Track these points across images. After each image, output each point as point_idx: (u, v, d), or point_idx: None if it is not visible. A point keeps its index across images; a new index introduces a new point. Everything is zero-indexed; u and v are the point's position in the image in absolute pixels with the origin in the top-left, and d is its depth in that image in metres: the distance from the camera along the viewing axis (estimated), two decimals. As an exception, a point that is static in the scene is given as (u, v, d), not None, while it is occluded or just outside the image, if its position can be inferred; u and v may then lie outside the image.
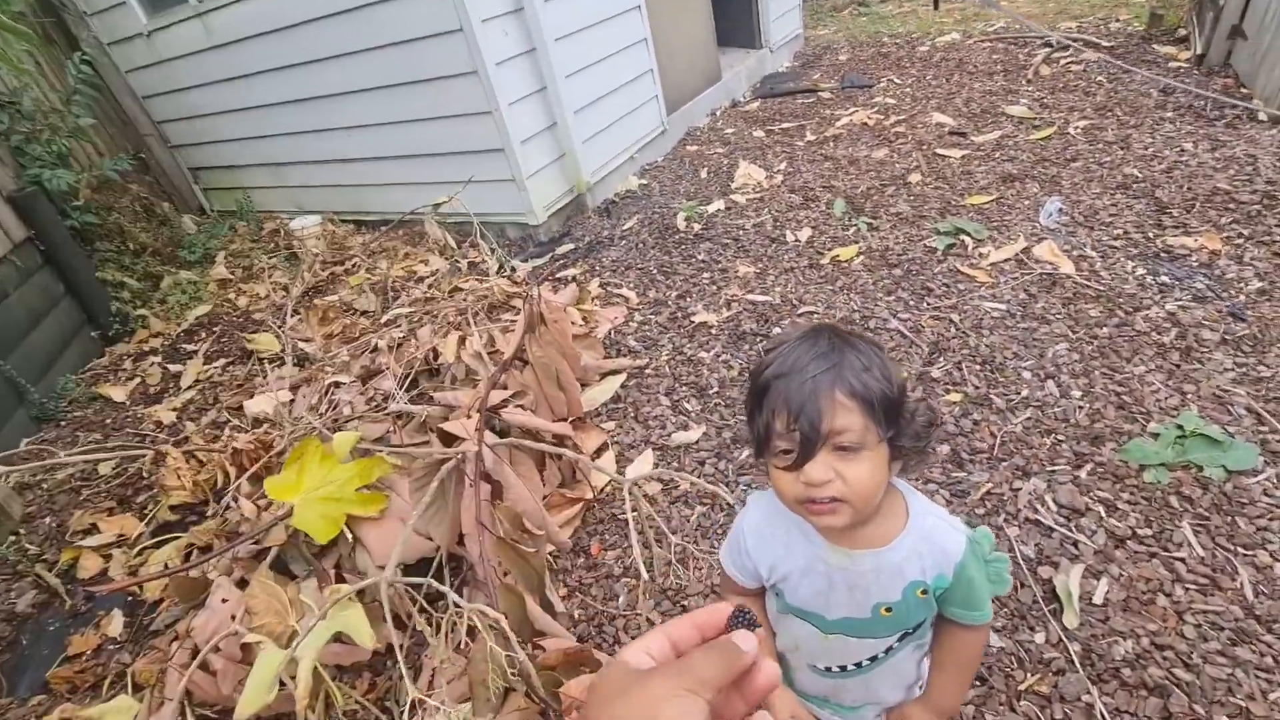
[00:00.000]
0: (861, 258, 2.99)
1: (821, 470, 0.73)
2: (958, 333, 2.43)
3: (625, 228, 3.77)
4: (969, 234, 2.93)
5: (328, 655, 1.65)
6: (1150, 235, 2.68)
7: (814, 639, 0.92)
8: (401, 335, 2.61)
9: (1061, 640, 1.48)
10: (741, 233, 3.41)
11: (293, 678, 1.33)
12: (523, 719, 1.33)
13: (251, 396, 2.69)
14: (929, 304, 2.61)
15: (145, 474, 2.67)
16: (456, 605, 1.24)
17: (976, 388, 2.18)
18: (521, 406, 2.02)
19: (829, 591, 0.86)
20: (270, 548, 1.77)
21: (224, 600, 1.72)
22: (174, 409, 3.05)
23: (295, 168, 4.59)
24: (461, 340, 2.28)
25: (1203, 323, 2.21)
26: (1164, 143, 3.27)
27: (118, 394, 3.29)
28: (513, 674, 1.19)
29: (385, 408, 2.05)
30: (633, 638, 1.65)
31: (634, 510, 1.39)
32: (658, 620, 1.69)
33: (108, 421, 3.14)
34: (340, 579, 1.75)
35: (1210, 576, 1.54)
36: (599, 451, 2.24)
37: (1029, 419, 2.03)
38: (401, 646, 1.68)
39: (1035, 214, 2.99)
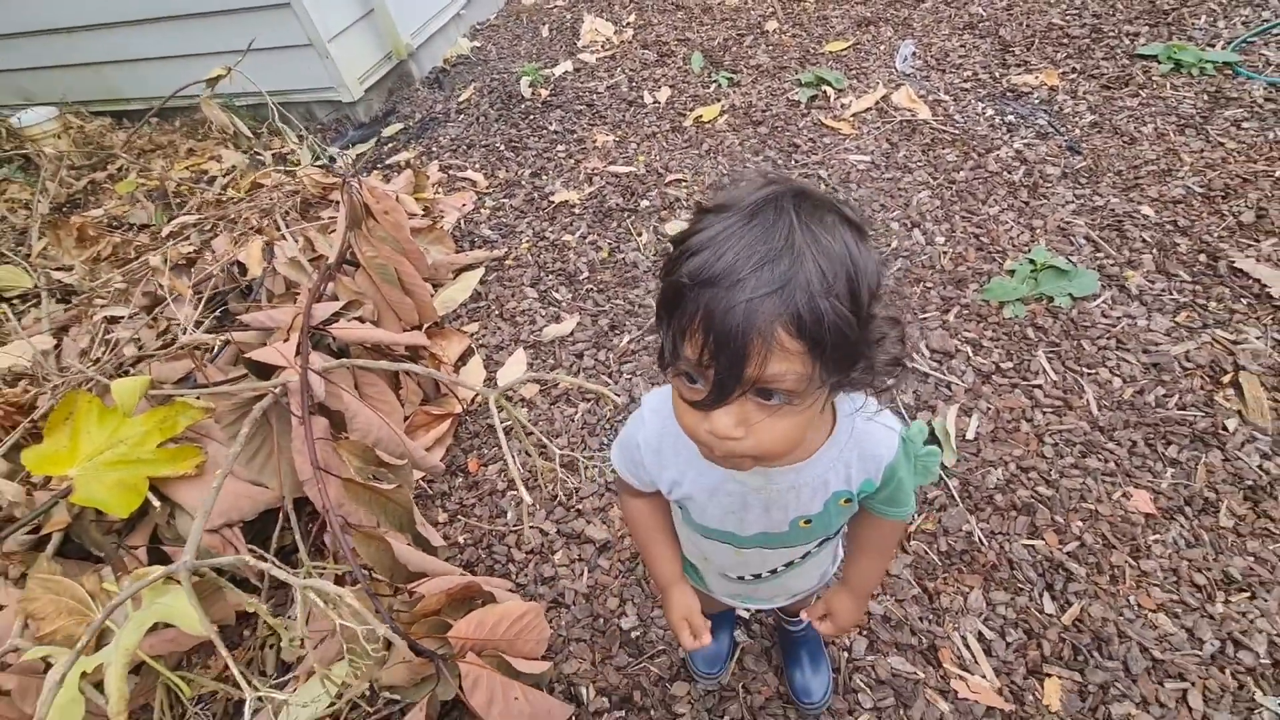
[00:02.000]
0: (725, 116, 2.78)
1: (731, 424, 0.55)
2: (827, 189, 2.35)
3: (462, 99, 3.26)
4: (830, 84, 2.80)
5: (159, 645, 1.37)
6: (996, 75, 2.69)
7: (726, 553, 0.81)
8: (193, 250, 2.10)
9: (943, 479, 1.54)
10: (595, 97, 3.06)
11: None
12: (410, 672, 1.17)
13: (-1, 348, 2.09)
14: (797, 160, 2.50)
15: None
16: (299, 588, 1.00)
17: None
18: (359, 319, 1.70)
19: (742, 511, 0.74)
20: (50, 534, 1.40)
21: (1, 607, 1.36)
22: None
23: (7, 43, 3.48)
24: (268, 246, 1.85)
25: (1046, 159, 2.28)
26: (1004, -22, 3.25)
27: None
28: (378, 651, 1.00)
29: (179, 343, 1.64)
30: (526, 554, 1.53)
31: (506, 424, 1.20)
32: (552, 532, 1.56)
33: None
34: (160, 555, 1.43)
35: (1063, 398, 1.64)
36: (463, 358, 1.99)
37: (900, 269, 2.03)
38: (255, 619, 1.45)
39: (891, 59, 2.91)
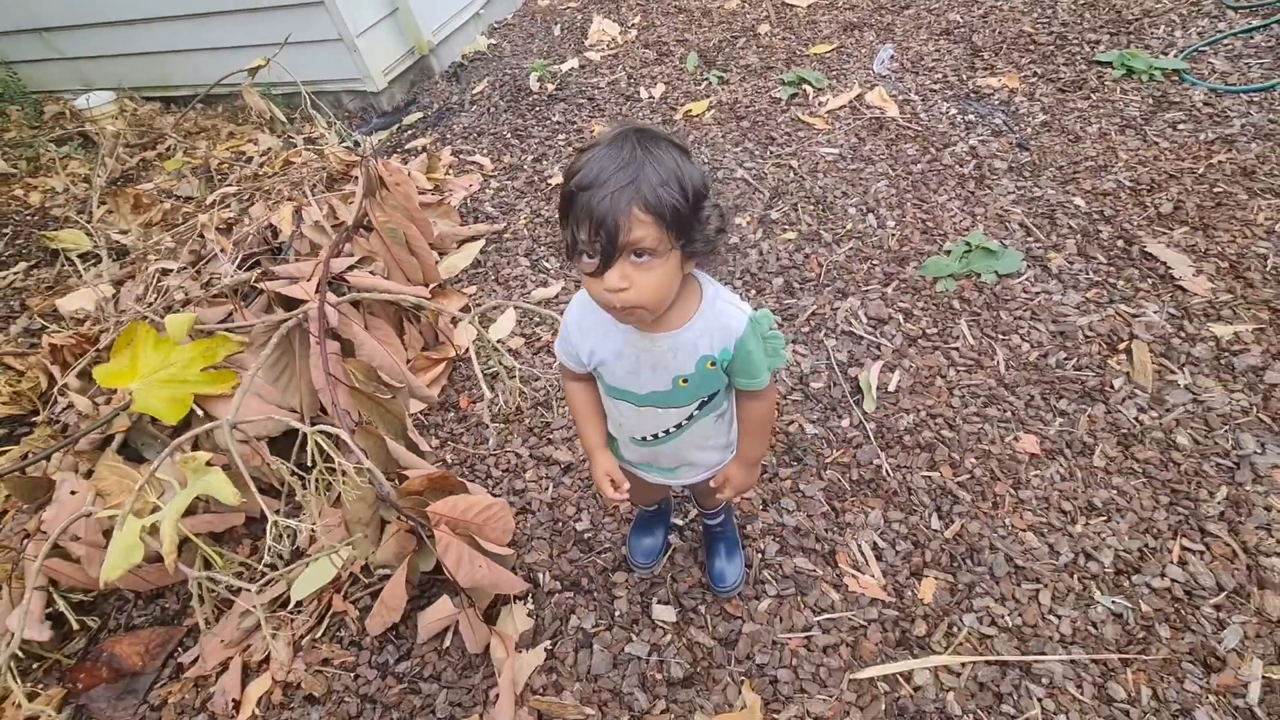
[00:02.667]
0: (712, 111, 3.04)
1: (618, 278, 0.81)
2: (795, 177, 2.59)
3: (475, 92, 3.56)
4: (810, 83, 3.04)
5: (198, 525, 1.67)
6: (964, 77, 2.91)
7: (631, 413, 1.07)
8: (232, 216, 2.41)
9: (861, 422, 1.78)
10: (596, 91, 3.33)
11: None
12: (399, 544, 1.46)
13: (64, 297, 2.43)
14: (772, 152, 2.74)
15: (-47, 392, 2.40)
16: (309, 434, 1.29)
17: (809, 225, 2.39)
18: (372, 273, 1.98)
19: (637, 371, 1.00)
20: (113, 435, 1.71)
21: (73, 492, 1.67)
22: (-27, 321, 2.70)
23: (72, 34, 3.85)
24: (297, 211, 2.15)
25: (996, 154, 2.50)
26: (984, -13, 3.46)
27: (-105, 312, 2.84)
28: (365, 482, 1.28)
29: (220, 286, 1.94)
30: (504, 471, 1.80)
31: (493, 370, 1.47)
32: (525, 456, 1.83)
33: (-110, 343, 2.73)
34: (200, 457, 1.73)
35: (976, 359, 1.87)
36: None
37: (851, 249, 2.27)
38: (278, 512, 1.74)
39: (870, 62, 3.14)
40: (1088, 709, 1.27)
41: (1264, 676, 1.26)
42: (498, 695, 1.37)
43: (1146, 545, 1.46)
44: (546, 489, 1.76)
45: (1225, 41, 2.75)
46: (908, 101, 2.85)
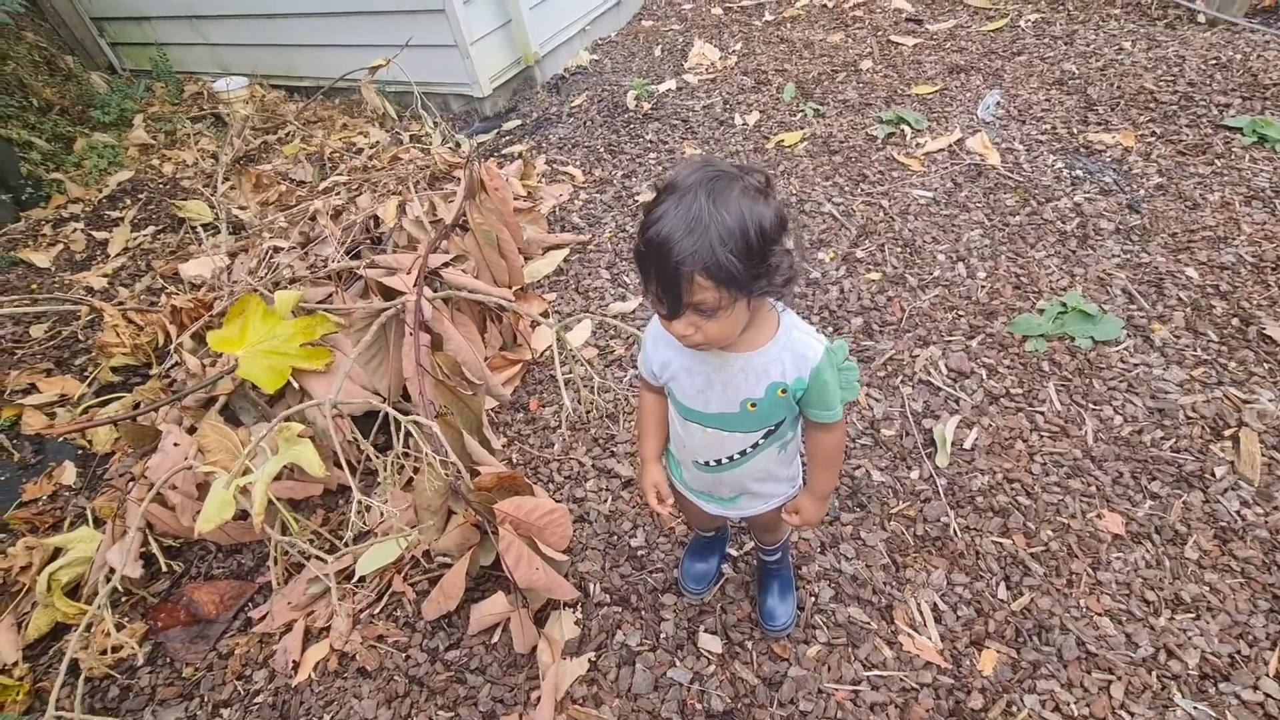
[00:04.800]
0: (805, 143, 3.03)
1: (683, 327, 0.87)
2: (885, 217, 2.56)
3: (574, 105, 3.68)
4: (909, 123, 2.99)
5: (281, 490, 1.78)
6: (1075, 131, 2.80)
7: (698, 435, 1.10)
8: (340, 203, 2.58)
9: (931, 476, 1.73)
10: (691, 114, 3.38)
11: (248, 509, 1.45)
12: (462, 535, 1.51)
13: (186, 262, 2.65)
14: (863, 189, 2.71)
15: (81, 337, 2.65)
16: (404, 432, 1.36)
17: (895, 268, 2.34)
18: (464, 271, 2.08)
19: (707, 389, 1.03)
20: (218, 396, 1.85)
21: (175, 444, 1.81)
22: (104, 275, 2.98)
23: (217, 22, 4.21)
24: (401, 206, 2.28)
25: (1103, 213, 2.39)
26: (1105, 40, 3.33)
27: (40, 259, 3.16)
28: (449, 474, 1.34)
29: (325, 270, 2.08)
30: (566, 478, 1.84)
31: (567, 376, 1.51)
32: (588, 465, 1.87)
33: (33, 287, 3.04)
34: (289, 426, 1.85)
35: (1062, 426, 1.79)
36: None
37: (937, 296, 2.21)
38: (350, 491, 1.83)
39: (975, 106, 3.07)
40: (1155, 817, 1.19)
41: (1365, 817, 1.15)
42: (539, 698, 1.40)
43: (1239, 652, 1.36)
44: (605, 500, 1.79)
45: (1376, 117, 2.55)
46: (1011, 150, 2.77)
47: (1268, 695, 1.30)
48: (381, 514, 1.70)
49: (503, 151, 3.40)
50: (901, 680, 1.39)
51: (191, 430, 1.87)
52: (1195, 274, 2.11)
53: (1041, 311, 2.08)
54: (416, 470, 1.81)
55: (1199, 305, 2.02)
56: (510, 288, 2.27)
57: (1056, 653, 1.40)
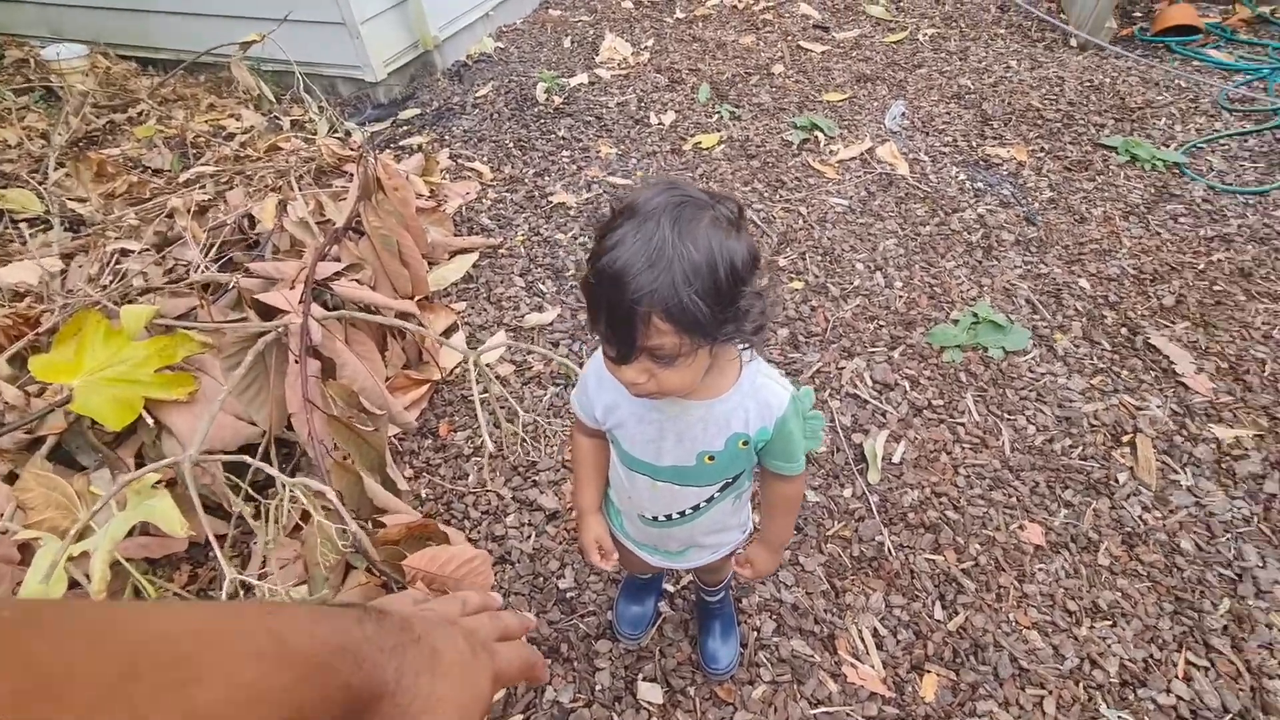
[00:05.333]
0: (723, 146, 2.98)
1: (635, 374, 0.74)
2: (804, 225, 2.55)
3: (479, 95, 3.43)
4: (822, 130, 3.01)
5: (133, 549, 1.48)
6: (974, 144, 2.92)
7: (646, 489, 0.97)
8: (207, 198, 2.22)
9: (864, 493, 1.71)
10: (605, 111, 3.24)
11: (88, 575, 1.18)
12: (365, 594, 1.30)
13: (5, 266, 2.19)
14: (782, 196, 2.69)
15: None
16: (283, 484, 1.14)
17: (816, 277, 2.33)
18: (358, 281, 1.83)
19: (659, 440, 0.90)
20: (46, 436, 1.51)
21: (-12, 498, 1.46)
22: (-107, 279, 2.42)
23: (43, -23, 3.58)
24: (282, 205, 1.99)
25: (1004, 225, 2.50)
26: (994, 58, 3.52)
27: None
28: (347, 547, 1.14)
29: (188, 280, 1.76)
30: (483, 513, 1.67)
31: (484, 396, 1.34)
32: (507, 497, 1.70)
33: None
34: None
35: (981, 437, 1.83)
36: (447, 332, 2.13)
37: (858, 306, 2.22)
38: (224, 538, 1.56)
39: (882, 115, 3.14)
40: (1092, 834, 1.20)
41: (1269, 811, 1.22)
42: (461, 777, 1.23)
43: (1151, 656, 1.42)
44: (528, 537, 1.63)
45: (1222, 141, 2.83)
46: (918, 161, 2.85)
47: (1179, 698, 1.36)
48: (263, 565, 1.45)
49: (400, 143, 3.11)
50: (848, 715, 1.35)
51: (11, 479, 1.52)
52: (1088, 285, 2.24)
53: (956, 322, 2.13)
54: (305, 516, 1.57)
55: (1093, 315, 2.14)
56: (413, 298, 2.05)
57: (993, 671, 1.40)
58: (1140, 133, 2.90)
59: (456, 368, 2.01)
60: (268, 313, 1.53)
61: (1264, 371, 1.94)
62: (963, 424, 1.86)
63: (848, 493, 1.72)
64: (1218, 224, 2.44)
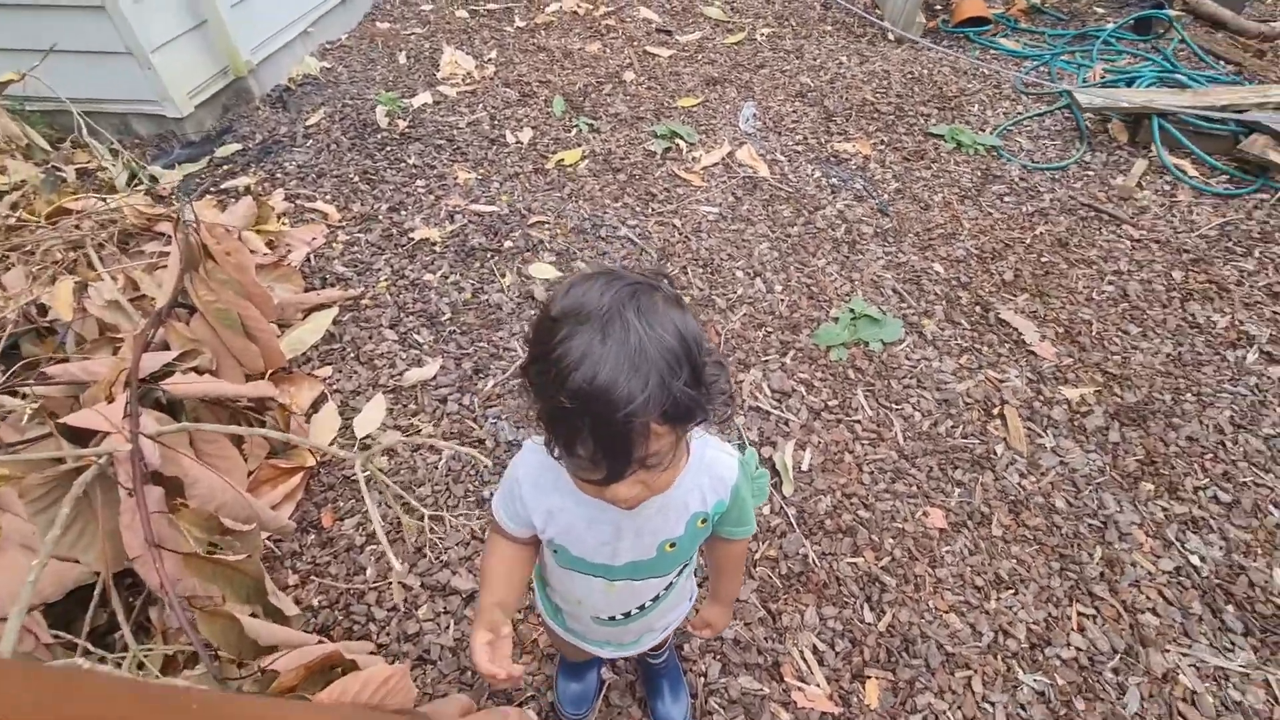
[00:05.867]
0: (586, 161, 2.91)
1: (629, 489, 0.68)
2: (681, 237, 2.54)
3: (310, 124, 3.10)
4: (682, 137, 3.03)
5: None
6: (822, 140, 3.07)
7: (599, 591, 0.89)
8: (-27, 284, 1.80)
9: (782, 508, 1.73)
10: (456, 132, 3.05)
11: None
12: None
13: None
14: (654, 209, 2.67)
15: None
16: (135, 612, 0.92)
17: (701, 290, 2.33)
18: (195, 369, 1.57)
19: (615, 540, 0.83)
20: None
21: None
22: None
23: None
24: (81, 286, 1.65)
25: (862, 219, 2.64)
26: (827, 55, 3.73)
27: None
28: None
29: (-41, 399, 1.41)
30: (390, 611, 1.49)
31: (370, 483, 1.18)
32: (416, 586, 1.54)
33: None
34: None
35: (877, 431, 1.92)
36: (315, 405, 1.89)
37: (745, 315, 2.25)
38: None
39: (735, 118, 3.21)
40: (1032, 801, 1.29)
41: (1164, 738, 1.37)
42: None
43: (1050, 615, 1.55)
44: (446, 628, 1.48)
45: (1026, 123, 3.19)
46: (776, 161, 2.95)
47: (1078, 649, 1.50)
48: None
49: (223, 186, 2.73)
50: (804, 742, 1.35)
51: None
52: (941, 269, 2.43)
53: (836, 320, 2.22)
54: (169, 660, 1.33)
55: (950, 298, 2.32)
56: (267, 374, 1.79)
57: (925, 663, 1.47)
58: (960, 120, 3.19)
59: (333, 442, 1.79)
60: (81, 436, 1.25)
61: (1092, 332, 2.20)
62: (859, 421, 1.94)
63: (766, 510, 1.73)
64: (1035, 200, 2.74)
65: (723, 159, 2.93)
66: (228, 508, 1.27)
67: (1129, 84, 3.30)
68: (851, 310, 2.22)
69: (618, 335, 0.59)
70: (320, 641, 1.29)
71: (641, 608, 0.92)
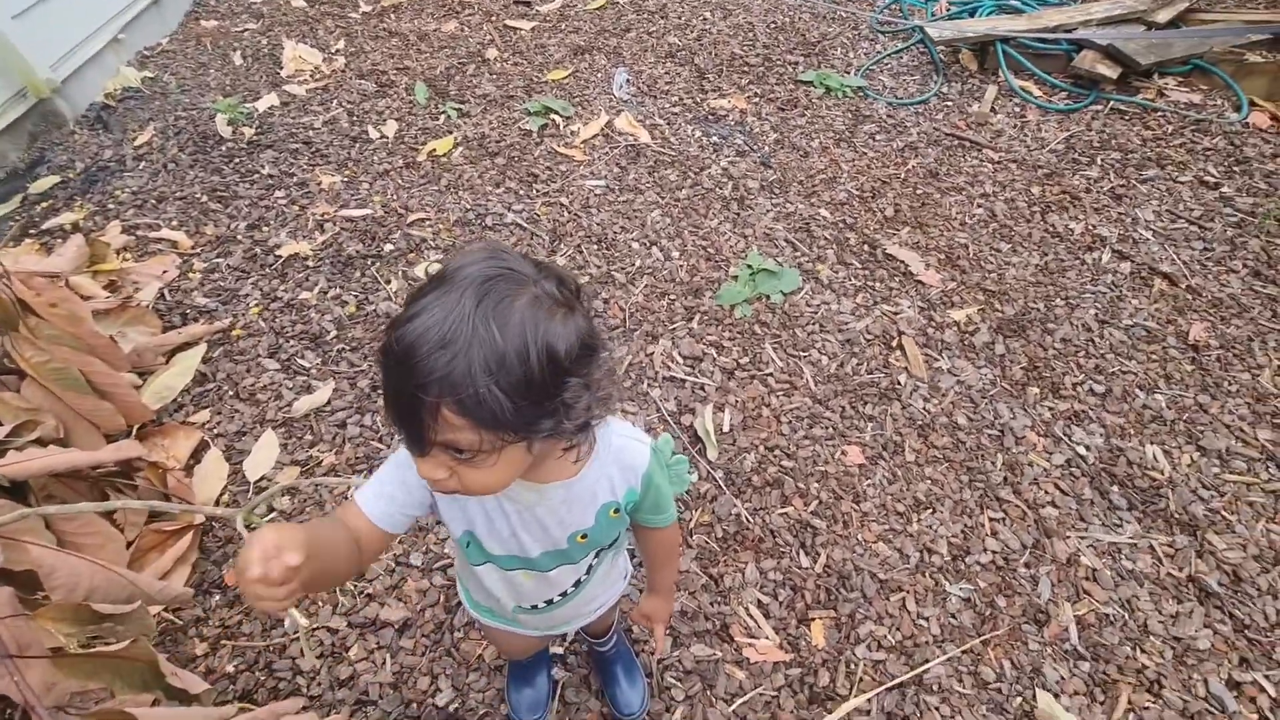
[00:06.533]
0: (460, 149, 2.76)
1: (432, 469, 0.63)
2: (570, 215, 2.47)
3: (139, 143, 2.77)
4: (557, 112, 2.93)
5: None
6: (698, 100, 3.06)
7: (518, 583, 0.87)
8: None
9: (709, 473, 1.74)
10: (312, 133, 2.82)
11: None
12: (190, 847, 1.01)
13: None
14: (539, 190, 2.58)
15: None
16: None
17: (600, 267, 2.28)
18: (38, 441, 1.37)
19: (521, 531, 0.79)
20: None
21: None
22: None
23: None
24: None
25: (747, 174, 2.66)
26: (691, 12, 3.70)
27: None
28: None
29: None
30: (318, 658, 1.39)
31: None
32: (342, 628, 1.44)
33: None
34: None
35: (789, 381, 1.96)
36: (196, 455, 1.71)
37: (647, 286, 2.22)
38: None
39: (609, 86, 3.14)
40: (973, 701, 1.38)
41: (1075, 617, 1.50)
42: None
43: (966, 526, 1.66)
44: (383, 664, 1.39)
45: (886, 61, 3.30)
46: (655, 126, 2.91)
47: (993, 552, 1.61)
48: None
49: (44, 226, 2.40)
50: (761, 696, 1.38)
51: None
52: (828, 213, 2.49)
53: (736, 278, 2.23)
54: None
55: (840, 241, 2.39)
56: (131, 430, 1.60)
57: (861, 594, 1.53)
58: (826, 64, 3.26)
59: (221, 496, 1.63)
60: (-105, 543, 1.06)
61: (969, 255, 2.33)
62: (770, 374, 1.97)
63: (693, 477, 1.73)
64: (903, 135, 2.85)
65: (602, 130, 2.86)
66: (100, 591, 1.12)
67: (972, 14, 3.48)
68: (749, 266, 2.24)
69: (446, 306, 0.56)
70: (244, 708, 1.18)
71: (564, 594, 0.90)
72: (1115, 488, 1.71)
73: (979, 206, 2.51)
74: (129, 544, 1.46)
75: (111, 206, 2.47)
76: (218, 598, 1.50)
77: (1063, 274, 2.25)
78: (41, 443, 1.37)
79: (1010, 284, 2.22)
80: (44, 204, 2.51)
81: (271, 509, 1.59)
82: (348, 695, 1.35)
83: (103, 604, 1.08)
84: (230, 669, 1.38)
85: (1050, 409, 1.88)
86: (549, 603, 0.92)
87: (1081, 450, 1.78)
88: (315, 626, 1.44)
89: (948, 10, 3.62)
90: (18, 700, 0.93)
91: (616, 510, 0.82)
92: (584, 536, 0.82)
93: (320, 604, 1.48)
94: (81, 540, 1.31)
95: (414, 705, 1.34)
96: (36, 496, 1.32)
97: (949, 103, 3.03)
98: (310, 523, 0.82)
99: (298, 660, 1.39)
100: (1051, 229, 2.41)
